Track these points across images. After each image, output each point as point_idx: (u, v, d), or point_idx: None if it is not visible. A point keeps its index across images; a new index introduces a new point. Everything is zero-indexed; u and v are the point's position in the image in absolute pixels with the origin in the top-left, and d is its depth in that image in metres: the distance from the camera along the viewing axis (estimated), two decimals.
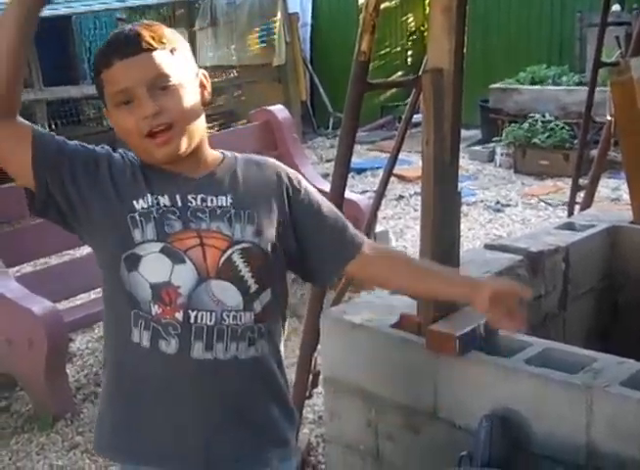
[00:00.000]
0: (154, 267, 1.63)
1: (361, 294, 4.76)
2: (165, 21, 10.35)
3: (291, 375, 2.98)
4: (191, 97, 1.66)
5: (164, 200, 1.65)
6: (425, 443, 2.50)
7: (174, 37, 1.67)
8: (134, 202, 1.64)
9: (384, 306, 2.72)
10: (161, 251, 1.63)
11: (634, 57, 3.72)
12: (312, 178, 5.48)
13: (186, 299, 1.63)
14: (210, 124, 9.69)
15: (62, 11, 8.19)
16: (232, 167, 1.75)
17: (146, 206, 1.64)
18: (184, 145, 1.64)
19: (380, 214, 4.71)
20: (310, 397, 3.11)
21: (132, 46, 1.60)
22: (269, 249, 1.70)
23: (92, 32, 11.46)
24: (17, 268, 4.85)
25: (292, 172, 1.83)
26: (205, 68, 11.59)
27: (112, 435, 1.78)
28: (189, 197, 1.67)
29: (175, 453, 1.71)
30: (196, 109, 1.67)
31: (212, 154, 1.76)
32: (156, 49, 1.61)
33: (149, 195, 1.65)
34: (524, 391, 2.25)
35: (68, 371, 4.06)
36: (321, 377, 2.94)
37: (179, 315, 1.64)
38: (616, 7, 8.18)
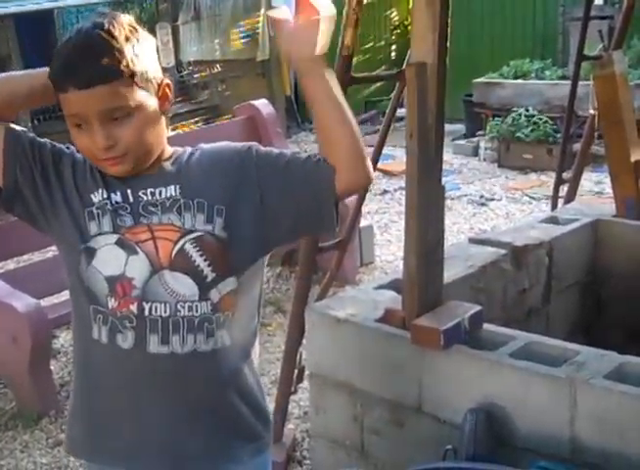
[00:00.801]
0: (108, 260, 1.62)
1: (346, 289, 4.78)
2: (149, 15, 10.31)
3: (276, 370, 3.00)
4: (146, 122, 1.61)
5: (116, 197, 1.65)
6: (410, 437, 2.50)
7: (136, 41, 1.59)
8: (92, 196, 1.65)
9: (368, 301, 2.73)
10: (116, 242, 1.62)
11: (616, 50, 3.73)
12: None
13: (140, 291, 1.62)
14: (194, 119, 9.67)
15: (44, 5, 8.13)
16: (181, 158, 1.72)
17: (101, 199, 1.64)
18: (139, 163, 1.63)
19: (364, 209, 4.71)
20: (295, 392, 3.12)
21: (87, 79, 1.53)
22: (226, 235, 1.64)
23: (75, 27, 11.38)
24: (0, 264, 4.83)
25: (243, 149, 1.70)
26: (189, 62, 11.53)
27: (78, 434, 1.78)
28: (140, 193, 1.65)
29: (140, 452, 1.70)
30: (151, 134, 1.63)
31: (166, 153, 1.72)
32: (112, 80, 1.54)
33: (103, 190, 1.65)
34: (508, 384, 2.26)
35: (52, 368, 4.04)
36: (306, 372, 2.94)
37: (134, 308, 1.62)
38: (598, 1, 8.21)
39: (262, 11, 10.39)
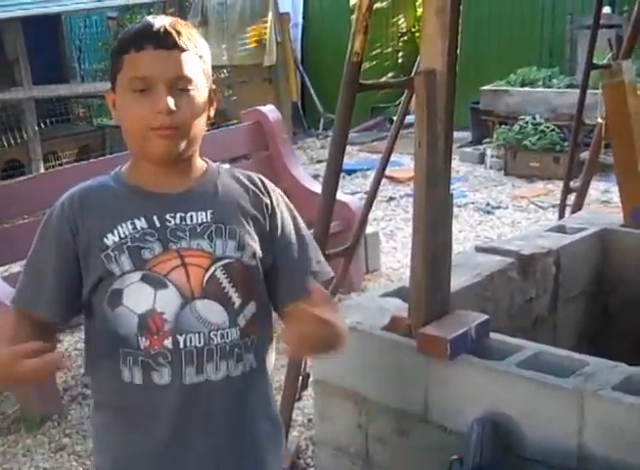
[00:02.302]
0: (137, 298, 1.60)
1: (351, 296, 4.77)
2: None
3: (280, 376, 2.98)
4: (202, 107, 1.64)
5: (141, 222, 1.62)
6: (415, 446, 2.49)
7: (204, 46, 1.66)
8: (104, 239, 1.61)
9: (375, 309, 2.71)
10: (142, 279, 1.60)
11: (626, 59, 3.72)
12: (303, 179, 5.47)
13: (173, 324, 1.60)
14: None
15: (52, 9, 8.14)
16: (213, 181, 1.71)
17: (117, 239, 1.61)
18: (182, 147, 1.61)
19: (370, 216, 4.70)
20: (300, 399, 3.10)
21: (169, 39, 1.57)
22: (252, 262, 1.67)
23: (82, 31, 11.41)
24: (4, 268, 4.82)
25: (273, 190, 1.77)
26: None
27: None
28: (167, 216, 1.63)
29: None
30: (202, 119, 1.65)
31: (198, 164, 1.72)
32: (188, 50, 1.59)
33: (123, 224, 1.61)
34: (515, 394, 2.25)
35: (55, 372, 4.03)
36: (311, 379, 2.93)
37: (168, 342, 1.60)
38: (606, 9, 8.20)
39: (270, 16, 10.40)
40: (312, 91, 11.17)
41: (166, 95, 1.56)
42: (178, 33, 1.59)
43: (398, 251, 6.05)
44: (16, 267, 5.01)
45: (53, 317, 1.67)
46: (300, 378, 3.00)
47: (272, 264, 1.73)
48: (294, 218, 1.78)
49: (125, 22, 10.52)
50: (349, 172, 8.41)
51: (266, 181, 1.78)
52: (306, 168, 7.35)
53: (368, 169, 8.57)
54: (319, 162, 9.19)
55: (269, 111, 5.72)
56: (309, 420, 3.49)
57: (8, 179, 6.11)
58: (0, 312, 3.78)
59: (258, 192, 1.73)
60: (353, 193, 7.35)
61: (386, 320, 2.59)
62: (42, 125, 8.29)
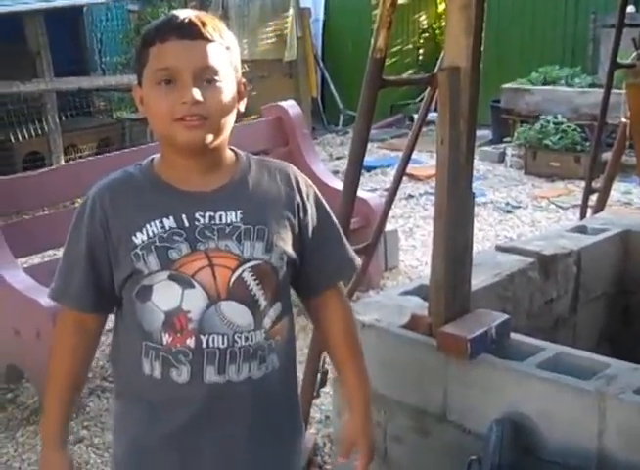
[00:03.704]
0: (165, 295, 1.61)
1: (370, 293, 4.76)
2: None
3: (299, 373, 2.97)
4: (230, 98, 1.62)
5: (169, 222, 1.61)
6: (434, 446, 2.47)
7: (232, 38, 1.65)
8: (133, 238, 1.61)
9: (394, 307, 2.70)
10: (170, 278, 1.60)
11: None
12: (323, 175, 5.46)
13: (197, 323, 1.60)
14: None
15: (73, 2, 8.16)
16: (244, 176, 1.69)
17: (145, 238, 1.60)
18: (208, 139, 1.60)
19: (389, 213, 4.68)
20: (318, 396, 3.09)
21: (193, 30, 1.57)
22: (279, 264, 1.66)
23: (103, 24, 11.42)
24: (25, 259, 4.84)
25: (304, 184, 1.76)
26: None
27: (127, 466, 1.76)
28: (196, 215, 1.62)
29: None
30: (230, 111, 1.63)
31: (228, 157, 1.71)
32: (214, 41, 1.59)
33: (151, 223, 1.61)
34: (535, 396, 2.23)
35: None
36: (329, 376, 2.92)
37: (191, 342, 1.61)
38: (630, 8, 8.13)
39: (290, 11, 10.39)
40: (332, 87, 11.15)
41: (192, 85, 1.55)
42: (203, 24, 1.58)
43: (417, 248, 6.03)
44: (36, 259, 5.04)
45: (81, 308, 1.69)
46: (319, 375, 3.00)
47: (302, 258, 1.73)
48: (324, 211, 1.78)
49: (146, 15, 10.53)
50: (369, 169, 8.40)
51: (297, 173, 1.77)
52: (325, 165, 7.33)
53: (387, 166, 8.55)
54: (338, 158, 9.18)
55: (290, 106, 5.71)
56: (327, 417, 3.48)
57: (28, 171, 6.13)
58: (22, 303, 3.80)
59: (289, 188, 1.72)
60: (373, 190, 7.34)
61: (405, 318, 2.57)
62: (63, 118, 8.31)
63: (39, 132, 8.03)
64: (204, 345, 1.61)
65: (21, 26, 7.72)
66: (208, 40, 1.58)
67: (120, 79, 8.84)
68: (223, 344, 1.61)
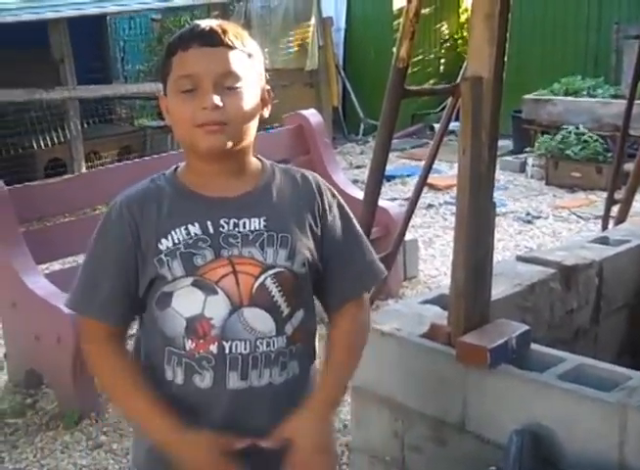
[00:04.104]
0: (186, 301, 1.62)
1: (389, 302, 4.75)
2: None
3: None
4: (252, 105, 1.64)
5: (195, 228, 1.63)
6: (452, 456, 2.46)
7: (254, 46, 1.67)
8: (158, 244, 1.62)
9: (413, 315, 2.69)
10: (193, 284, 1.61)
11: None
12: (343, 184, 5.46)
13: (219, 330, 1.61)
14: None
15: (97, 10, 8.22)
16: (268, 183, 1.71)
17: (171, 244, 1.62)
18: (229, 144, 1.61)
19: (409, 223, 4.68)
20: None
21: (214, 37, 1.59)
22: (302, 271, 1.67)
23: (126, 32, 11.51)
24: (46, 266, 4.87)
25: (328, 193, 1.77)
26: None
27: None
28: (221, 221, 1.63)
29: None
30: (252, 117, 1.65)
31: (252, 164, 1.72)
32: (235, 48, 1.61)
33: (177, 229, 1.62)
34: (556, 407, 2.22)
35: None
36: (348, 385, 2.91)
37: (214, 348, 1.62)
38: None
39: (312, 21, 10.42)
40: (353, 96, 11.16)
41: (212, 92, 1.57)
42: (224, 31, 1.60)
43: (436, 258, 6.01)
44: (56, 265, 5.07)
45: (109, 319, 1.68)
46: None
47: (325, 266, 1.73)
48: (347, 219, 1.78)
49: (169, 24, 10.60)
50: (389, 179, 8.38)
51: (321, 182, 1.78)
52: (345, 174, 7.33)
53: (408, 176, 8.54)
54: (358, 167, 9.17)
55: (311, 115, 5.73)
56: (345, 426, 3.47)
57: (50, 178, 6.17)
58: (43, 309, 3.82)
59: (312, 195, 1.73)
60: (392, 199, 7.32)
61: (424, 328, 2.57)
62: (85, 125, 8.37)
63: (61, 139, 8.09)
64: (226, 351, 1.62)
65: (45, 34, 7.79)
66: (230, 47, 1.60)
67: (142, 87, 8.90)
68: (245, 350, 1.62)
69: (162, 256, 1.61)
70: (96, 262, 1.68)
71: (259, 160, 1.75)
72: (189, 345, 1.62)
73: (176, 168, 1.74)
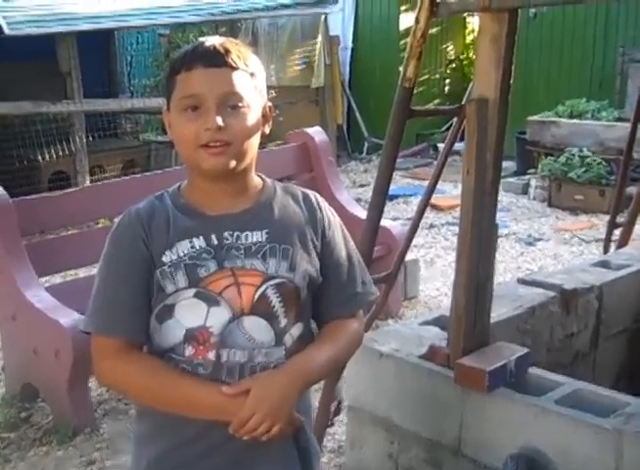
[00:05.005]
0: (189, 313, 1.63)
1: (389, 322, 4.74)
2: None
3: (314, 401, 2.96)
4: (254, 123, 1.66)
5: (199, 241, 1.64)
6: None
7: (257, 64, 1.69)
8: (162, 257, 1.63)
9: (412, 337, 2.69)
10: (195, 295, 1.62)
11: None
12: (346, 203, 5.46)
13: (218, 337, 1.62)
14: None
15: (105, 25, 8.26)
16: (269, 200, 1.73)
17: (175, 256, 1.63)
18: (232, 164, 1.63)
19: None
20: (332, 425, 3.07)
21: (218, 58, 1.61)
22: (302, 283, 1.69)
23: (134, 47, 11.57)
24: (46, 278, 4.86)
25: (327, 211, 1.79)
26: None
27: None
28: (225, 234, 1.65)
29: None
30: (254, 136, 1.67)
31: (254, 181, 1.74)
32: (238, 68, 1.63)
33: (182, 242, 1.64)
34: (552, 432, 2.20)
35: (90, 385, 4.04)
36: (345, 405, 2.90)
37: (211, 355, 1.63)
38: None
39: (319, 38, 10.46)
40: (358, 115, 11.19)
41: (215, 112, 1.59)
42: (227, 51, 1.62)
43: (437, 279, 6.00)
44: (57, 278, 5.07)
45: (135, 337, 1.67)
46: (334, 404, 2.98)
47: (321, 282, 1.74)
48: (344, 238, 1.80)
49: (177, 39, 10.64)
50: (391, 198, 8.39)
51: (320, 200, 1.80)
52: (349, 192, 7.34)
53: (411, 195, 8.55)
54: (362, 186, 9.18)
55: (316, 133, 5.73)
56: (340, 447, 3.45)
57: (54, 190, 6.17)
58: (42, 322, 3.81)
59: (313, 213, 1.76)
60: (395, 219, 7.32)
61: (423, 349, 2.56)
62: (90, 138, 8.39)
63: (66, 152, 8.11)
64: (224, 359, 1.62)
65: (52, 47, 7.82)
66: (232, 67, 1.61)
67: (148, 102, 8.92)
68: (243, 358, 1.63)
69: (166, 267, 1.62)
70: (111, 278, 1.68)
71: (261, 178, 1.77)
72: (188, 351, 1.63)
73: (179, 186, 1.75)
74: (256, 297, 1.63)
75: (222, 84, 1.60)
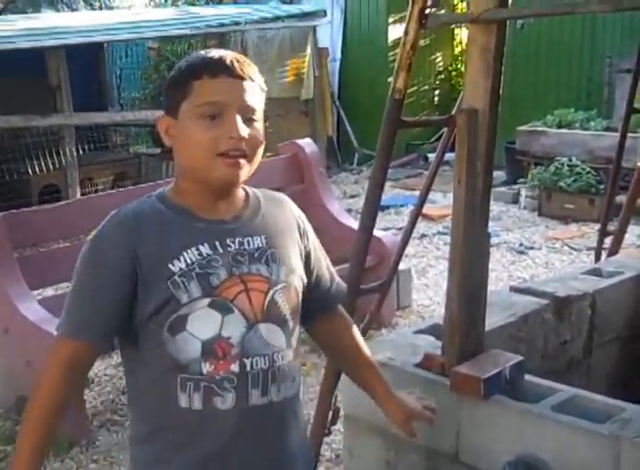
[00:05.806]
0: (203, 323, 1.61)
1: (382, 332, 4.75)
2: (197, 50, 10.45)
3: (310, 410, 2.96)
4: (263, 137, 1.69)
5: (205, 249, 1.63)
6: None
7: (261, 80, 1.72)
8: (170, 266, 1.60)
9: (407, 346, 2.69)
10: (210, 305, 1.61)
11: None
12: (338, 214, 5.48)
13: (239, 348, 1.62)
14: None
15: (94, 38, 8.28)
16: (257, 207, 1.75)
17: (184, 265, 1.60)
18: (243, 175, 1.65)
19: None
20: (329, 434, 3.07)
21: (240, 70, 1.64)
22: (300, 286, 1.75)
23: (123, 60, 11.60)
24: (38, 291, 4.86)
25: (299, 212, 1.86)
26: None
27: None
28: (227, 241, 1.66)
29: None
30: (262, 149, 1.70)
31: (241, 193, 1.76)
32: (255, 82, 1.67)
33: (188, 250, 1.62)
34: (549, 438, 2.21)
35: (85, 397, 4.04)
36: (341, 414, 2.91)
37: (235, 367, 1.62)
38: None
39: (308, 50, 10.50)
40: (348, 126, 11.23)
41: (241, 122, 1.61)
42: (248, 65, 1.67)
43: (430, 288, 6.02)
44: (50, 291, 5.06)
45: (101, 347, 1.67)
46: (330, 412, 2.98)
47: (307, 282, 1.80)
48: (317, 240, 1.88)
49: (166, 52, 10.67)
50: (382, 208, 8.40)
51: (290, 201, 1.86)
52: (339, 203, 7.36)
53: (402, 206, 8.58)
54: (352, 196, 9.21)
55: (306, 144, 5.75)
56: (337, 456, 3.46)
57: (44, 203, 6.17)
58: (35, 335, 3.81)
59: (293, 215, 1.82)
60: (386, 229, 7.35)
61: (418, 357, 2.57)
62: (80, 151, 8.39)
63: (56, 165, 8.11)
64: (248, 368, 1.63)
65: (42, 61, 7.83)
66: (252, 81, 1.66)
67: (138, 115, 8.94)
68: (265, 364, 1.65)
69: (176, 277, 1.59)
70: (85, 287, 1.65)
71: (243, 189, 1.78)
72: (206, 368, 1.61)
73: (164, 190, 1.72)
74: (266, 303, 1.65)
75: (244, 96, 1.63)
